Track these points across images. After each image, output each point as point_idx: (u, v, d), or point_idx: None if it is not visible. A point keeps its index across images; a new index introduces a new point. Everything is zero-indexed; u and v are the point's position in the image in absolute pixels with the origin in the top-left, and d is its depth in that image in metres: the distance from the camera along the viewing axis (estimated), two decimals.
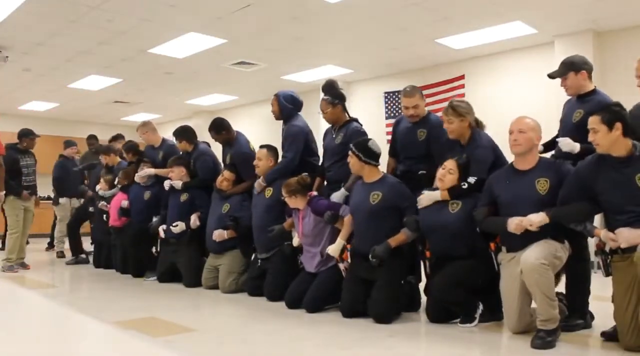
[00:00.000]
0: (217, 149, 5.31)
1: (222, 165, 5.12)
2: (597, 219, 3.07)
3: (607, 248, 2.78)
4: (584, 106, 3.26)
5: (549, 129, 3.40)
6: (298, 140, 4.40)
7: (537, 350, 2.74)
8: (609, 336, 2.85)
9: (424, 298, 3.64)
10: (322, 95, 4.27)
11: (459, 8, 5.91)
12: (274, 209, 4.35)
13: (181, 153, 5.46)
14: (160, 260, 5.36)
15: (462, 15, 6.12)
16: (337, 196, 3.95)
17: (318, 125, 4.32)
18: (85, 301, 4.51)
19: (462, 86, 7.87)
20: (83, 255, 6.91)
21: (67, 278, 5.95)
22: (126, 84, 9.19)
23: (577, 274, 3.17)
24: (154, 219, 5.42)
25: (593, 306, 3.25)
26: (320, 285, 3.84)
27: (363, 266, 3.53)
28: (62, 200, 7.35)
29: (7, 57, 7.26)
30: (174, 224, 5.04)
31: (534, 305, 2.96)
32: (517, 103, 6.99)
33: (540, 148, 3.31)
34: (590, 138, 2.78)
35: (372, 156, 3.64)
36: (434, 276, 3.42)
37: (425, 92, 4.04)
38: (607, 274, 2.82)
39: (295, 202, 4.00)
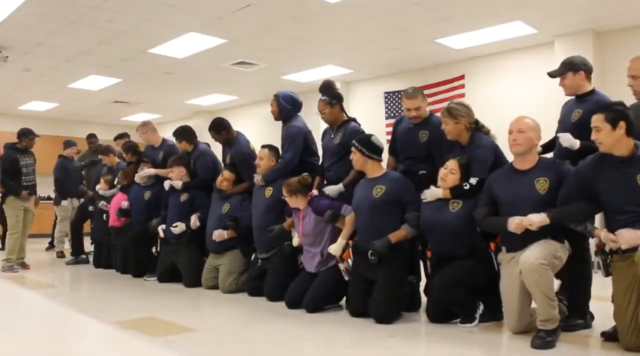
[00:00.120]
0: (217, 149, 5.31)
1: (222, 165, 5.12)
2: (597, 219, 3.07)
3: (607, 248, 2.78)
4: (583, 106, 3.27)
5: (549, 129, 3.40)
6: (297, 140, 4.40)
7: (537, 350, 2.74)
8: (609, 336, 2.85)
9: (424, 298, 3.64)
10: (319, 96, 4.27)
11: (459, 8, 5.91)
12: (274, 209, 4.35)
13: (181, 153, 5.47)
14: (160, 260, 5.36)
15: (462, 15, 6.12)
16: (332, 189, 3.95)
17: (318, 126, 4.32)
18: (85, 301, 4.51)
19: (462, 86, 7.87)
20: (83, 255, 6.91)
21: (67, 278, 5.95)
22: (126, 83, 9.19)
23: (577, 274, 3.17)
24: (154, 220, 5.42)
25: (593, 306, 3.25)
26: (320, 285, 3.84)
27: (364, 264, 3.53)
28: (64, 203, 7.35)
29: (7, 57, 7.26)
30: (173, 225, 5.05)
31: (534, 305, 2.96)
32: (517, 103, 6.99)
33: (539, 149, 3.31)
34: (593, 136, 2.77)
35: (375, 150, 3.65)
36: (434, 276, 3.42)
37: (425, 92, 4.04)
38: (607, 274, 2.82)
39: (296, 202, 4.00)
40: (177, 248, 5.13)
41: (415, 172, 3.83)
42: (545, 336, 2.78)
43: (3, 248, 7.15)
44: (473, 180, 3.33)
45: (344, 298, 3.97)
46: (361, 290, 3.58)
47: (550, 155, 3.41)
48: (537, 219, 2.85)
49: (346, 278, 3.71)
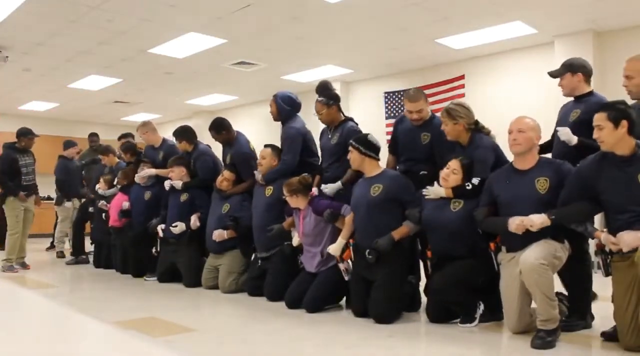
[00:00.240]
0: (217, 149, 5.31)
1: (222, 165, 5.12)
2: (597, 218, 3.07)
3: (607, 248, 2.78)
4: (581, 106, 3.30)
5: (549, 129, 3.40)
6: (296, 142, 4.40)
7: (537, 350, 2.74)
8: (609, 336, 2.85)
9: (424, 298, 3.64)
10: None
11: (459, 8, 5.91)
12: (275, 208, 4.35)
13: (181, 153, 5.47)
14: (160, 260, 5.36)
15: (462, 15, 6.12)
16: (330, 187, 3.94)
17: (318, 126, 4.32)
18: (85, 301, 4.50)
19: (462, 86, 7.87)
20: (83, 256, 6.91)
21: (67, 278, 5.94)
22: (126, 83, 9.19)
23: (577, 274, 3.17)
24: (154, 220, 5.42)
25: (593, 306, 3.25)
26: (320, 285, 3.84)
27: (364, 264, 3.53)
28: (67, 204, 7.34)
29: (7, 57, 7.26)
30: (173, 225, 5.05)
31: (534, 305, 2.96)
32: (516, 104, 6.99)
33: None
34: (595, 135, 2.77)
35: (372, 149, 3.66)
36: (434, 276, 3.42)
37: (425, 92, 4.03)
38: (607, 274, 2.82)
39: (296, 202, 4.00)
40: (177, 248, 5.13)
41: (416, 173, 3.83)
42: (545, 336, 2.78)
43: (3, 248, 7.14)
44: (475, 180, 3.33)
45: (344, 298, 3.97)
46: (362, 290, 3.58)
47: (548, 155, 3.42)
48: (538, 220, 2.85)
49: (346, 278, 3.71)
